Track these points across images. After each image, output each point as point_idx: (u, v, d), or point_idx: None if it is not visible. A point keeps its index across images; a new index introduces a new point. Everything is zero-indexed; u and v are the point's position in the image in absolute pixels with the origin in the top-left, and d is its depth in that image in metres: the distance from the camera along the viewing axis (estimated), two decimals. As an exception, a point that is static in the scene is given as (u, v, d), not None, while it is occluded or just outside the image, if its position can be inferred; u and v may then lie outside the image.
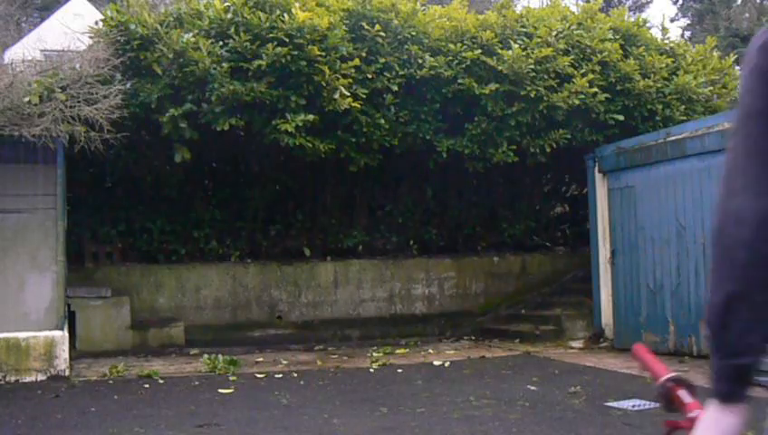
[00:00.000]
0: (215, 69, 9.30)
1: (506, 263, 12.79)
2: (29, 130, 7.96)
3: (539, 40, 10.76)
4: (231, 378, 8.10)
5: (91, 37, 9.60)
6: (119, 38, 9.28)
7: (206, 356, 8.96)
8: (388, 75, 10.25)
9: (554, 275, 12.82)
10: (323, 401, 6.85)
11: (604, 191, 10.51)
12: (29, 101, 8.12)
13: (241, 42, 9.44)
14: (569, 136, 11.04)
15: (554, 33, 10.91)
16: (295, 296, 11.67)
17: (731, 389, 1.33)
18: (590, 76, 10.76)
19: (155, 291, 11.04)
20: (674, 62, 11.95)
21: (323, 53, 9.60)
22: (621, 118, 11.14)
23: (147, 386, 7.68)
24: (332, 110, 9.76)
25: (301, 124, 9.55)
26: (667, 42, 12.58)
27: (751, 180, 1.33)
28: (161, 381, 7.96)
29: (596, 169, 10.66)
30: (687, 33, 28.01)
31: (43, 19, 21.79)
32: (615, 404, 6.38)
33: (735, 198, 1.34)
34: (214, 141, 10.20)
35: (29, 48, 9.84)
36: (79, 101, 8.31)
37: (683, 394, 1.43)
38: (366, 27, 10.13)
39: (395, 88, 10.29)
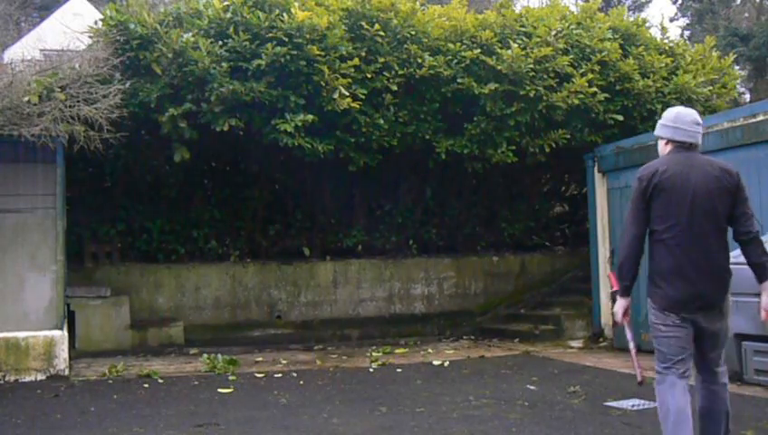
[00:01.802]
0: (214, 68, 9.30)
1: (506, 263, 12.80)
2: (28, 130, 7.95)
3: (538, 39, 10.76)
4: (230, 377, 8.10)
5: (90, 37, 9.59)
6: (118, 38, 9.27)
7: (205, 356, 8.96)
8: (388, 75, 10.24)
9: (554, 274, 12.84)
10: (323, 400, 6.86)
11: (604, 191, 10.51)
12: (28, 101, 8.10)
13: (240, 41, 9.44)
14: (568, 136, 11.04)
15: (553, 33, 10.90)
16: (294, 296, 11.67)
17: (622, 292, 4.36)
18: (590, 76, 10.76)
19: (154, 290, 11.04)
20: (673, 61, 11.95)
21: (323, 53, 9.60)
22: (621, 118, 11.14)
23: (146, 386, 7.69)
24: (331, 109, 9.76)
25: (300, 124, 9.55)
26: (666, 41, 12.58)
27: (630, 222, 4.33)
28: (161, 381, 7.96)
29: (595, 168, 10.66)
30: (687, 33, 28.02)
31: (42, 19, 21.78)
32: (614, 404, 6.38)
33: (626, 227, 4.35)
34: (213, 141, 10.20)
35: (28, 48, 9.83)
36: (78, 101, 8.30)
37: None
38: (365, 27, 10.13)
39: (394, 88, 10.29)
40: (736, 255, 7.43)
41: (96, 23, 9.78)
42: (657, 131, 4.50)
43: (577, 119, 11.06)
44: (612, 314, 4.54)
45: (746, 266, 7.30)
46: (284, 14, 9.57)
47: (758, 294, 4.35)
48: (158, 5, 12.26)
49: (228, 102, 9.45)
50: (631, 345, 4.49)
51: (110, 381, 8.00)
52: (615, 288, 4.39)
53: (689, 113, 4.42)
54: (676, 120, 4.39)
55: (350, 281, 11.97)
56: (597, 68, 10.95)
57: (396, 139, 10.65)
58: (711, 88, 12.01)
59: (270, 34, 9.45)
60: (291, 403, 6.74)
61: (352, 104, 9.79)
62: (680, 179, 4.23)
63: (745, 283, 7.02)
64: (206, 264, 11.42)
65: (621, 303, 4.38)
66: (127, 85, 9.02)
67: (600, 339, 10.42)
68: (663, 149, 4.47)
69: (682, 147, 4.36)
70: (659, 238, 4.23)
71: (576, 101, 10.65)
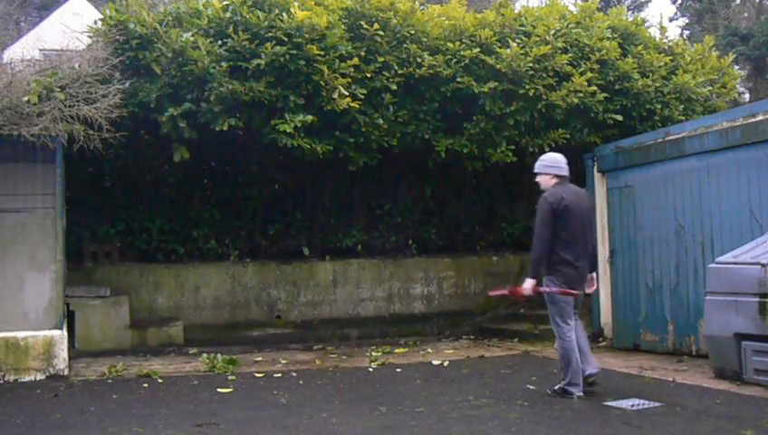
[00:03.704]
0: (213, 68, 9.30)
1: (505, 262, 12.80)
2: (28, 130, 7.95)
3: (537, 38, 10.76)
4: (230, 377, 8.10)
5: (89, 36, 9.59)
6: (118, 37, 9.27)
7: (204, 355, 8.96)
8: (387, 74, 10.24)
9: (553, 274, 12.81)
10: (322, 400, 6.86)
11: (603, 191, 10.50)
12: (28, 101, 8.10)
13: (240, 41, 9.44)
14: (567, 136, 11.04)
15: (553, 32, 10.90)
16: (294, 296, 11.67)
17: (533, 275, 6.60)
18: (589, 75, 10.76)
19: (154, 290, 11.04)
20: (672, 61, 11.95)
21: (322, 53, 9.59)
22: (620, 118, 11.15)
23: (146, 385, 7.69)
24: (331, 109, 9.76)
25: (299, 125, 9.55)
26: (665, 41, 12.58)
27: (544, 229, 6.51)
28: (160, 381, 7.96)
29: (595, 168, 10.64)
30: (686, 33, 28.03)
31: (41, 18, 21.81)
32: (614, 403, 6.38)
33: (540, 232, 6.53)
34: (213, 141, 10.20)
35: (28, 47, 9.83)
36: (78, 101, 8.31)
37: (512, 290, 7.08)
38: (365, 26, 10.13)
39: (394, 87, 10.29)
40: (737, 254, 7.52)
41: (95, 22, 9.78)
42: (545, 170, 6.70)
43: (576, 119, 11.06)
44: (522, 290, 6.65)
45: (746, 266, 7.32)
46: (284, 14, 9.56)
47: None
48: (157, 5, 12.25)
49: (228, 102, 9.45)
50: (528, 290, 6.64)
51: (110, 381, 8.00)
52: (518, 294, 6.83)
53: (562, 157, 6.81)
54: (557, 161, 6.74)
55: (350, 281, 11.97)
56: (596, 67, 10.95)
57: (395, 138, 10.65)
58: (711, 88, 12.01)
59: (269, 34, 9.45)
60: (290, 403, 6.74)
61: (352, 104, 9.79)
62: (575, 202, 6.56)
63: (745, 283, 7.05)
64: (205, 263, 11.42)
65: (533, 283, 6.55)
66: (126, 85, 9.02)
67: (600, 339, 10.41)
68: (549, 181, 6.67)
69: (562, 179, 6.68)
70: (563, 240, 6.48)
71: (575, 100, 10.65)
